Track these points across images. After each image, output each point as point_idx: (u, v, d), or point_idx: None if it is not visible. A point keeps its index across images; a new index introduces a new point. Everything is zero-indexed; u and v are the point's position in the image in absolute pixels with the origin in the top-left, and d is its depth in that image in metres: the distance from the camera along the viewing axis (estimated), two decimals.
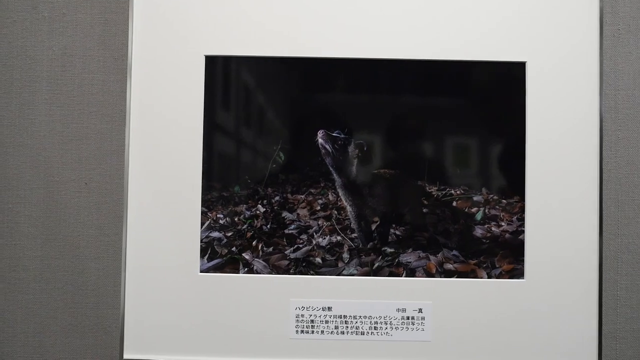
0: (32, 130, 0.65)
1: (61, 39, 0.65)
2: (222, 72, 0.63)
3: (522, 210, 0.62)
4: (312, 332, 0.62)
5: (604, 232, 0.64)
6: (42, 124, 0.65)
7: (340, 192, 0.63)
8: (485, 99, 0.63)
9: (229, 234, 0.63)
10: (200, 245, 0.62)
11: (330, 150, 0.62)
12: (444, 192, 0.63)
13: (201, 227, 0.62)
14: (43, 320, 0.64)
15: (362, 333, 0.62)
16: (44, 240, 0.65)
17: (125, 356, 0.62)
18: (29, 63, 0.65)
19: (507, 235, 0.63)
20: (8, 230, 0.65)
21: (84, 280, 0.64)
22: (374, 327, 0.62)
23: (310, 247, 0.63)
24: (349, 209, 0.63)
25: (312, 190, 0.63)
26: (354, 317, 0.62)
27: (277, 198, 0.63)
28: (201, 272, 0.62)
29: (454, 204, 0.63)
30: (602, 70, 0.64)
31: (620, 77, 0.66)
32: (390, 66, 0.63)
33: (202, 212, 0.62)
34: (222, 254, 0.62)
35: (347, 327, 0.62)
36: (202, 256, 0.62)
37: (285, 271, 0.62)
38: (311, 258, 0.63)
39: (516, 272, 0.62)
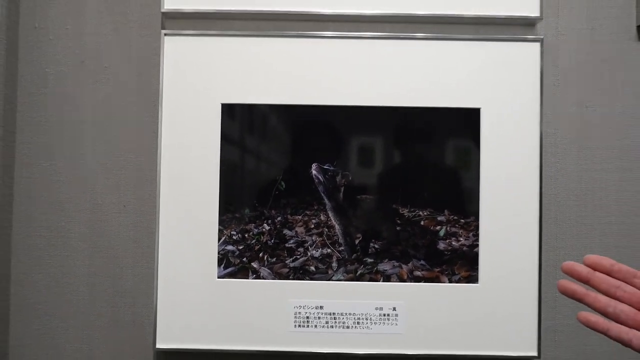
0: (81, 163, 0.80)
1: (104, 88, 0.80)
2: (235, 117, 0.78)
3: (477, 228, 0.77)
4: (308, 326, 0.77)
5: (543, 245, 0.79)
6: (89, 157, 0.80)
7: (330, 214, 0.78)
8: (448, 139, 0.78)
9: (241, 247, 0.78)
10: (218, 257, 0.77)
11: (322, 180, 0.77)
12: (413, 214, 0.78)
13: (218, 242, 0.77)
14: (90, 317, 0.79)
15: (348, 327, 0.77)
16: (91, 252, 0.80)
17: (157, 346, 0.77)
18: (77, 107, 0.80)
19: (465, 248, 0.78)
20: (61, 244, 0.80)
21: (123, 284, 0.79)
22: (357, 322, 0.77)
23: (306, 257, 0.78)
24: (337, 227, 0.78)
25: (308, 212, 0.78)
26: (341, 314, 0.77)
27: (279, 218, 0.78)
28: (218, 278, 0.77)
29: (422, 223, 0.78)
30: (543, 113, 0.79)
31: (558, 119, 0.81)
32: (372, 112, 0.78)
33: (219, 230, 0.77)
34: (235, 263, 0.77)
35: (335, 322, 0.77)
36: (219, 265, 0.77)
37: (286, 277, 0.77)
38: (307, 267, 0.78)
39: (472, 278, 0.77)
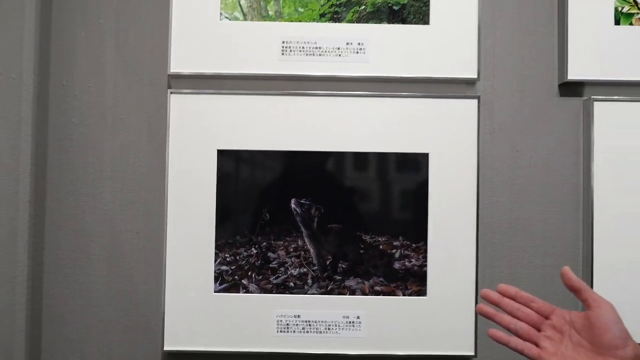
0: (101, 198, 0.97)
1: (120, 136, 0.97)
2: (228, 160, 0.95)
3: (425, 251, 0.95)
4: (288, 331, 0.94)
5: (480, 265, 0.96)
6: (108, 193, 0.97)
7: (306, 240, 0.95)
8: (403, 178, 0.96)
9: (233, 267, 0.95)
10: (214, 275, 0.94)
11: (299, 212, 0.95)
12: (374, 239, 0.95)
13: (215, 263, 0.94)
14: (109, 325, 0.96)
15: (320, 332, 0.94)
16: (109, 272, 0.97)
17: (165, 348, 0.94)
18: (98, 152, 0.97)
19: (416, 267, 0.95)
20: (85, 265, 0.97)
21: (137, 298, 0.96)
22: (328, 328, 0.94)
23: (286, 275, 0.95)
24: (311, 250, 0.95)
25: (288, 238, 0.95)
26: (315, 322, 0.94)
27: (264, 243, 0.95)
28: (215, 292, 0.94)
29: (381, 247, 0.95)
30: (480, 156, 0.97)
31: (493, 161, 0.98)
32: (342, 156, 0.95)
33: (215, 253, 0.94)
34: (228, 280, 0.95)
35: (310, 328, 0.94)
36: (215, 282, 0.94)
37: (270, 291, 0.95)
38: (287, 283, 0.95)
39: (421, 292, 0.95)
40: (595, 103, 0.96)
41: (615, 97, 0.97)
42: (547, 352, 0.64)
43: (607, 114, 0.96)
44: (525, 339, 0.66)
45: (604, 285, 0.93)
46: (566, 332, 0.65)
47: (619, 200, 0.96)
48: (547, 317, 0.67)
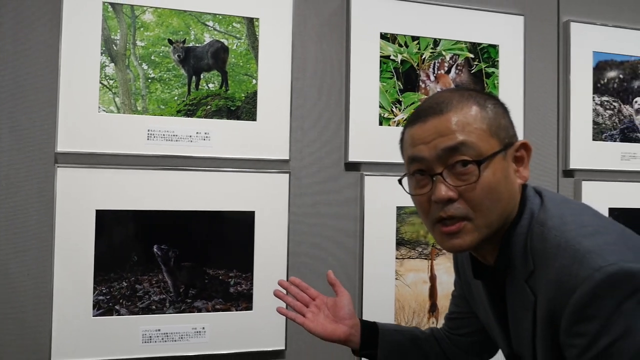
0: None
1: (14, 198, 1.23)
2: (105, 218, 1.27)
3: (252, 279, 1.36)
4: (150, 342, 1.29)
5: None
6: (3, 243, 1.23)
7: (165, 274, 1.31)
8: (237, 228, 1.36)
9: (108, 297, 1.27)
10: (93, 303, 1.26)
11: (160, 254, 1.30)
12: (215, 272, 1.35)
13: (93, 294, 1.26)
14: (3, 347, 1.23)
15: (175, 341, 1.31)
16: (2, 304, 1.23)
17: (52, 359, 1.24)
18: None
19: (245, 291, 1.36)
20: None
21: (28, 324, 1.24)
22: (181, 337, 1.31)
23: (150, 301, 1.30)
24: (169, 282, 1.31)
25: (151, 274, 1.30)
26: (172, 333, 1.31)
27: (133, 278, 1.29)
28: (93, 316, 1.26)
29: (220, 277, 1.35)
30: (290, 212, 1.41)
31: (299, 215, 1.43)
32: (191, 214, 1.32)
33: (94, 287, 1.26)
34: (104, 307, 1.27)
35: (167, 338, 1.31)
36: (93, 308, 1.26)
37: (137, 313, 1.29)
38: (150, 306, 1.30)
39: (249, 307, 1.36)
40: (365, 177, 1.46)
41: (378, 173, 1.47)
42: (308, 319, 1.06)
43: (373, 184, 1.46)
44: (297, 312, 1.08)
45: (368, 289, 1.44)
46: (322, 309, 1.08)
47: (369, 240, 1.47)
48: (313, 299, 1.09)
